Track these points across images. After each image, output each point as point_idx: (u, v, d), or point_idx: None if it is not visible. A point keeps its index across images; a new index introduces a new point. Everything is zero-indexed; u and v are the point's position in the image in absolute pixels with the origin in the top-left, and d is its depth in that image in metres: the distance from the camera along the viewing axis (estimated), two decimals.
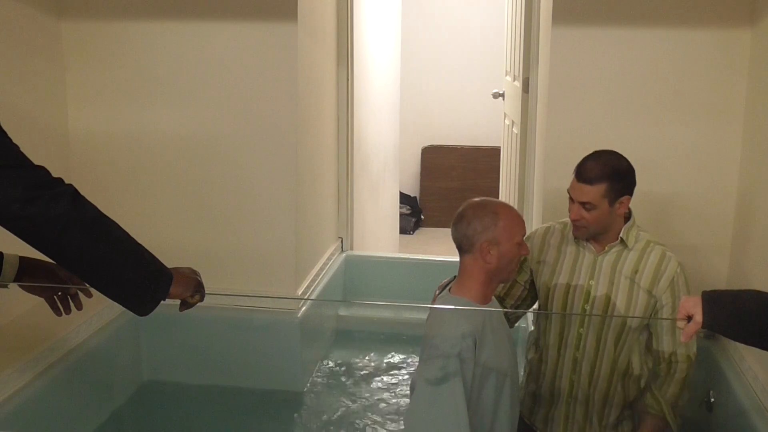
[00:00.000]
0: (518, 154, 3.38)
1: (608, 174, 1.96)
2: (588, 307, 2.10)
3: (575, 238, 2.11)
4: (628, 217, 2.08)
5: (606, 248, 2.09)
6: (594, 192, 1.97)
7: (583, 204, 1.99)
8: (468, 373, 1.71)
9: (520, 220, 1.83)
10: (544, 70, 2.95)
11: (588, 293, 2.10)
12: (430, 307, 1.93)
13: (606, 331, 2.10)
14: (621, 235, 2.07)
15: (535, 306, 2.28)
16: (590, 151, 2.07)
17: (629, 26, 2.62)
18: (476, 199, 1.85)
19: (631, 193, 2.03)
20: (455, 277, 1.89)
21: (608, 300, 2.07)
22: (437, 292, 1.95)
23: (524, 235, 1.84)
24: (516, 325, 2.31)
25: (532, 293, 2.24)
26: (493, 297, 1.90)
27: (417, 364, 1.92)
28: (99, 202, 1.47)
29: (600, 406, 2.14)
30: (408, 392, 2.99)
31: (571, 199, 2.03)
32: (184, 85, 2.79)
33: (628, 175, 2.01)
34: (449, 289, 1.87)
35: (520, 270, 2.16)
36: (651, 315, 2.07)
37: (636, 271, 2.06)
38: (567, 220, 2.18)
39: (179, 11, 2.74)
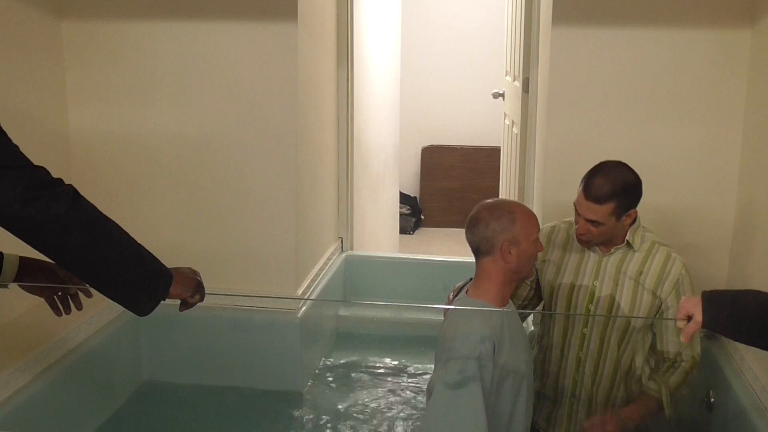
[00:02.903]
0: (518, 154, 3.38)
1: (618, 192, 1.95)
2: (592, 308, 2.10)
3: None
4: (633, 219, 2.08)
5: (612, 249, 2.09)
6: (603, 211, 1.95)
7: (590, 221, 1.98)
8: (487, 377, 1.70)
9: (535, 217, 1.84)
10: (544, 70, 2.95)
11: (592, 293, 2.10)
12: (435, 308, 1.92)
13: (609, 331, 2.10)
14: (627, 237, 2.07)
15: (540, 306, 2.28)
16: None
17: (629, 26, 2.62)
18: (488, 200, 1.85)
19: (637, 205, 2.02)
20: (471, 279, 1.89)
21: (612, 300, 2.08)
22: (451, 295, 1.95)
23: (539, 231, 1.84)
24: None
25: (538, 293, 2.25)
26: (510, 300, 1.90)
27: (428, 367, 1.91)
28: (99, 202, 1.47)
29: (603, 406, 2.14)
30: (408, 391, 3.00)
31: (578, 212, 2.02)
32: (184, 85, 2.79)
33: (636, 189, 2.00)
34: (466, 292, 1.87)
35: None
36: (654, 316, 2.07)
37: (641, 273, 2.06)
38: (571, 219, 2.18)
39: (179, 11, 2.74)
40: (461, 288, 1.92)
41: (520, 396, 1.80)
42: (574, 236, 2.15)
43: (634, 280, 2.06)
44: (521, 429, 1.82)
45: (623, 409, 2.06)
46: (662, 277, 2.05)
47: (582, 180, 2.01)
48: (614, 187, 1.95)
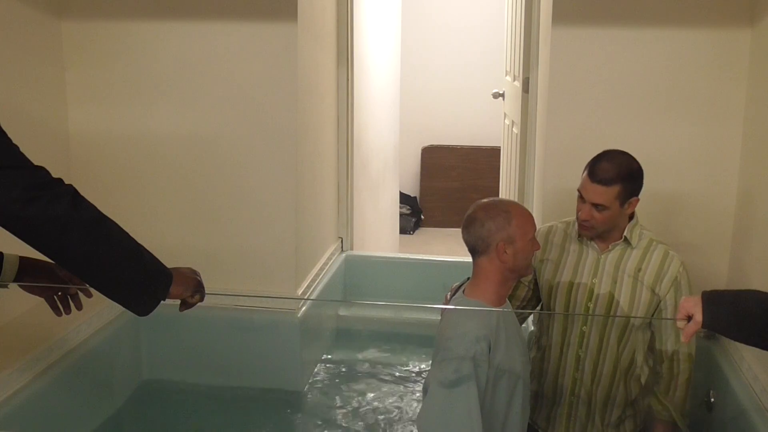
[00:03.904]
0: (518, 154, 3.38)
1: (623, 175, 1.96)
2: (591, 306, 2.10)
3: (580, 236, 2.11)
4: (631, 215, 2.08)
5: (610, 247, 2.09)
6: (608, 193, 1.96)
7: (595, 205, 1.99)
8: (482, 376, 1.71)
9: (531, 216, 1.85)
10: (544, 70, 2.95)
11: (591, 291, 2.10)
12: (435, 308, 1.93)
13: (609, 329, 2.10)
14: (625, 233, 2.07)
15: (539, 306, 2.28)
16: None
17: (629, 26, 2.62)
18: (484, 200, 1.85)
19: (639, 192, 2.03)
20: (468, 279, 1.89)
21: (611, 298, 2.08)
22: (448, 295, 1.95)
23: (535, 230, 1.84)
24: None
25: (536, 293, 2.24)
26: (507, 299, 1.90)
27: (428, 366, 1.92)
28: (99, 202, 1.47)
29: (602, 404, 2.14)
30: (407, 391, 3.00)
31: (581, 199, 2.02)
32: (184, 85, 2.79)
33: (640, 176, 2.02)
34: (463, 291, 1.87)
35: None
36: (653, 314, 2.07)
37: (639, 270, 2.07)
38: (569, 219, 2.18)
39: (179, 11, 2.74)
40: (458, 288, 1.92)
41: (516, 396, 1.80)
42: (573, 235, 2.15)
43: (633, 277, 2.07)
44: (517, 429, 1.82)
45: None
46: (661, 274, 2.05)
47: (586, 166, 2.02)
48: (620, 170, 1.96)
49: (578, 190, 2.04)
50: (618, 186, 1.96)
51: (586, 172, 2.01)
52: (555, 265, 2.16)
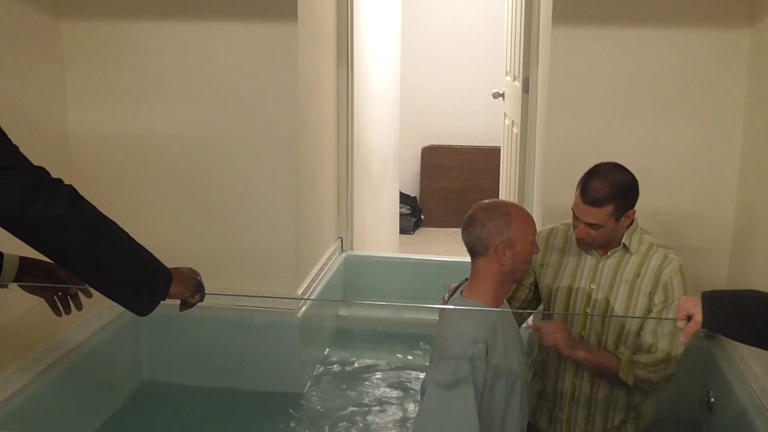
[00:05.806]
0: (518, 154, 3.38)
1: (616, 194, 1.94)
2: (589, 311, 2.10)
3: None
4: (631, 220, 2.07)
5: (609, 253, 2.09)
6: (602, 214, 1.95)
7: (589, 224, 1.98)
8: (479, 377, 1.71)
9: (532, 220, 1.84)
10: (544, 70, 2.95)
11: (589, 296, 2.10)
12: (435, 308, 1.93)
13: (606, 334, 2.10)
14: (624, 240, 2.06)
15: (540, 308, 2.28)
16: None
17: (629, 26, 2.62)
18: (485, 201, 1.85)
19: (635, 205, 2.01)
20: (466, 279, 1.89)
21: (608, 304, 2.08)
22: (446, 295, 1.95)
23: (535, 233, 1.84)
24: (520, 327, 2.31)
25: (537, 295, 2.24)
26: (505, 300, 1.90)
27: (427, 367, 1.91)
28: (99, 202, 1.47)
29: (603, 408, 2.14)
30: (408, 392, 3.00)
31: (576, 217, 2.02)
32: (184, 85, 2.79)
33: (633, 189, 1.99)
34: (461, 292, 1.87)
35: None
36: (648, 315, 2.06)
37: (637, 275, 2.06)
38: (570, 221, 2.18)
39: (179, 11, 2.74)
40: (456, 288, 1.92)
41: (514, 396, 1.80)
42: (573, 239, 2.14)
43: (630, 283, 2.06)
44: (515, 429, 1.82)
45: (587, 344, 2.05)
46: (658, 279, 2.04)
47: (578, 184, 2.00)
48: (612, 189, 1.94)
49: (572, 209, 2.02)
50: (611, 206, 1.94)
51: (578, 191, 1.98)
52: (555, 270, 2.16)
